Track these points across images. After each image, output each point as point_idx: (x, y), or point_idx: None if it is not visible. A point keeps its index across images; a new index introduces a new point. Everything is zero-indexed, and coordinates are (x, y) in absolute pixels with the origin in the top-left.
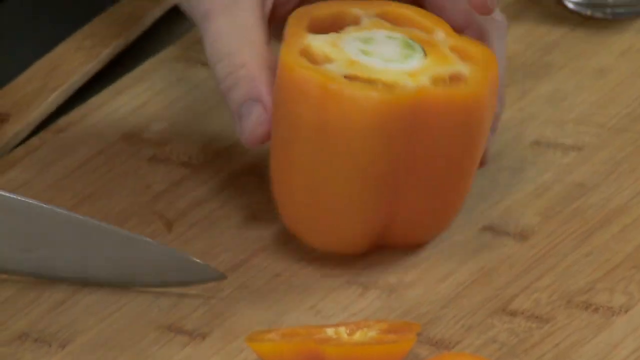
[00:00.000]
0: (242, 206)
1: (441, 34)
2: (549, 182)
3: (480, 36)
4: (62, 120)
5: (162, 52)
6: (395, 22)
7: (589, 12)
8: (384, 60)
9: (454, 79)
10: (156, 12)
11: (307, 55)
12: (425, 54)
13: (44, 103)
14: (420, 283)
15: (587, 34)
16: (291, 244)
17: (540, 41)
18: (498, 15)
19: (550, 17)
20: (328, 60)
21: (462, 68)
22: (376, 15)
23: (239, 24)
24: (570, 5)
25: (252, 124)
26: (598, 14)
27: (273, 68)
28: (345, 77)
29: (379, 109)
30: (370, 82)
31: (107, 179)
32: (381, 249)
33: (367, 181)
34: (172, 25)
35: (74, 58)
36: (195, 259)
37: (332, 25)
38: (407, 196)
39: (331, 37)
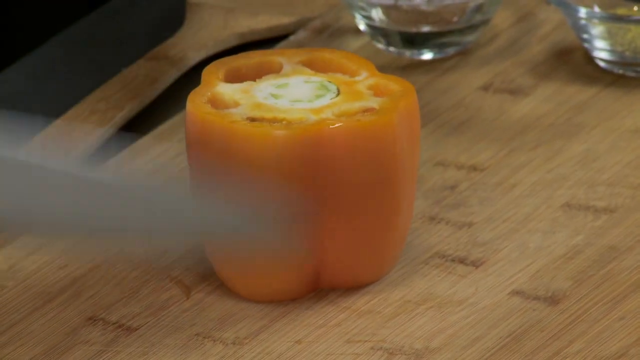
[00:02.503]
0: None
1: (364, 74)
2: (581, 245)
3: None
4: None
5: (177, 115)
6: (320, 68)
7: (620, 71)
8: (291, 101)
9: (363, 112)
10: (172, 74)
11: (215, 101)
12: (339, 94)
13: None
14: (447, 349)
15: (619, 93)
16: (313, 309)
17: (570, 101)
18: None
19: (581, 76)
20: (235, 104)
21: (373, 102)
22: (300, 63)
23: None
24: (602, 64)
25: None
26: (630, 73)
27: None
28: (249, 119)
29: (279, 143)
30: (274, 121)
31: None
32: (330, 291)
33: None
34: (189, 87)
35: (88, 121)
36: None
37: (253, 76)
38: (334, 234)
39: (245, 84)
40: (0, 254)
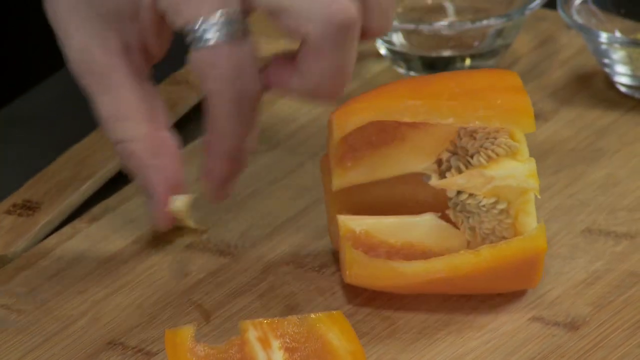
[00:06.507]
0: (282, 297)
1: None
2: (601, 271)
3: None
4: (97, 209)
5: (198, 139)
6: None
7: None
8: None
9: None
10: (191, 99)
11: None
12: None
13: (76, 192)
14: None
15: None
16: None
17: (592, 126)
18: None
19: (602, 101)
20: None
21: None
22: None
23: (119, 101)
24: (623, 89)
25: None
26: None
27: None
28: None
29: None
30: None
31: (142, 268)
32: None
33: None
34: None
35: (107, 146)
36: None
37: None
38: None
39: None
40: (20, 277)
